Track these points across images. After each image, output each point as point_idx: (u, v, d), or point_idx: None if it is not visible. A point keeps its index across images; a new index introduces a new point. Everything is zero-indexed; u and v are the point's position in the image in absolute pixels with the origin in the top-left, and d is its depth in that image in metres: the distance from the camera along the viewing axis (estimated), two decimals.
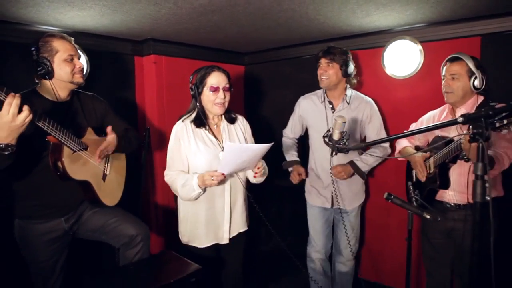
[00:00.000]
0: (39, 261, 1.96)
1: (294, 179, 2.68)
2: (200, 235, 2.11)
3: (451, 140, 1.94)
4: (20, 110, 1.49)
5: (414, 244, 2.74)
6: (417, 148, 2.36)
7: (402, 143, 2.44)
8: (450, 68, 2.09)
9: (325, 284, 2.78)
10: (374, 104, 2.64)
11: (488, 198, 1.20)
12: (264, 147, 1.90)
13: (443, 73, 2.15)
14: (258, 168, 2.04)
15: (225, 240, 2.15)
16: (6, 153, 1.55)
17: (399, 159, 2.48)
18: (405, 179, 2.48)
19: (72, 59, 1.92)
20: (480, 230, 1.21)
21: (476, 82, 1.99)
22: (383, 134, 2.63)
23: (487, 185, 1.19)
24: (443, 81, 2.15)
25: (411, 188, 1.93)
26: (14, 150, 1.57)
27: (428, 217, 1.68)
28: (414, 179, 2.37)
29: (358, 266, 3.16)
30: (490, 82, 2.20)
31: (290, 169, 2.75)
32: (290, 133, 2.86)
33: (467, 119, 1.21)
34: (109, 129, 2.06)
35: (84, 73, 2.14)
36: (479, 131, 1.17)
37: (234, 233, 2.19)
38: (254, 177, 2.12)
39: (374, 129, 2.60)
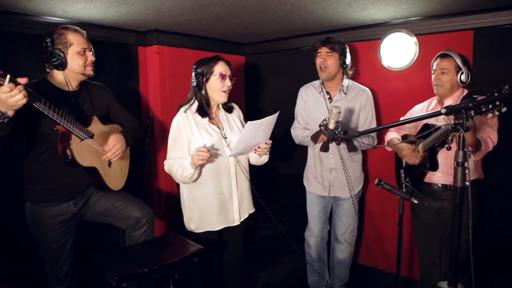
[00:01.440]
0: (50, 243, 2.07)
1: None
2: (212, 220, 2.20)
3: (439, 127, 2.08)
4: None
5: (406, 229, 2.87)
6: (405, 137, 2.48)
7: (389, 135, 2.59)
8: (440, 63, 2.29)
9: (321, 268, 2.88)
10: (370, 93, 2.69)
11: (467, 183, 1.31)
12: (275, 117, 2.04)
13: (434, 68, 2.34)
14: (266, 144, 2.12)
15: (236, 222, 2.26)
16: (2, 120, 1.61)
17: (388, 150, 2.60)
18: (395, 167, 2.61)
19: (84, 52, 2.02)
20: (460, 212, 1.32)
21: (463, 77, 2.20)
22: (374, 124, 2.67)
23: (467, 171, 1.29)
24: (433, 75, 2.34)
25: (403, 175, 2.03)
26: (9, 120, 1.62)
27: (416, 202, 1.79)
28: (404, 164, 2.46)
29: (357, 252, 3.29)
30: (481, 74, 2.37)
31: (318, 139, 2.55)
32: (303, 123, 2.77)
33: (450, 110, 1.31)
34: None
35: None
36: (460, 122, 1.27)
37: (245, 215, 2.32)
38: (255, 151, 2.15)
39: (365, 117, 2.65)
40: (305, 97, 2.75)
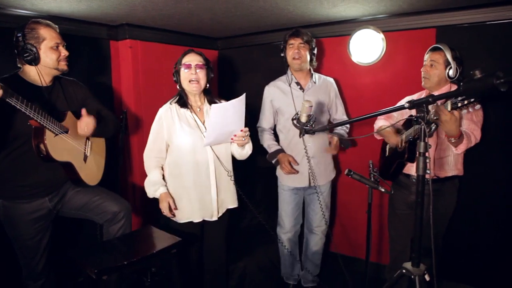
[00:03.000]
0: (25, 239, 2.06)
1: (286, 168, 2.63)
2: (192, 211, 2.24)
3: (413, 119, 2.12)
4: None
5: (375, 216, 3.02)
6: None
7: (378, 123, 2.64)
8: (431, 56, 2.29)
9: (293, 261, 2.94)
10: (335, 83, 2.82)
11: (428, 172, 1.42)
12: (241, 100, 1.99)
13: (425, 60, 2.35)
14: (242, 131, 2.11)
15: (214, 218, 2.29)
16: None
17: (378, 138, 2.67)
18: (379, 158, 2.71)
19: (58, 47, 2.01)
20: (422, 198, 1.43)
21: (451, 72, 2.19)
22: (345, 113, 2.85)
23: (427, 161, 1.41)
24: (423, 67, 2.35)
25: (371, 165, 2.14)
26: None
27: (383, 190, 1.91)
28: (387, 153, 2.57)
29: (328, 241, 3.41)
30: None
31: (273, 160, 2.73)
32: (266, 125, 2.82)
33: (412, 104, 1.41)
34: (83, 111, 2.12)
35: None
36: (421, 115, 1.38)
37: (223, 210, 2.33)
38: (232, 139, 2.15)
39: (340, 111, 2.81)
40: (272, 93, 2.75)
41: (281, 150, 2.72)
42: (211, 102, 2.31)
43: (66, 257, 1.90)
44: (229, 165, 2.34)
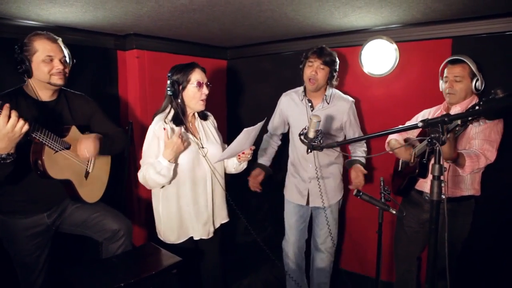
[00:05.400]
0: (23, 255, 2.01)
1: (251, 185, 2.80)
2: (190, 228, 2.15)
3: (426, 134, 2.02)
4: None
5: (387, 235, 2.89)
6: (407, 140, 2.44)
7: (390, 137, 2.51)
8: (453, 70, 2.15)
9: (300, 278, 2.84)
10: (353, 103, 2.64)
11: (443, 196, 1.31)
12: (260, 125, 2.02)
13: (445, 75, 2.21)
14: (251, 149, 2.14)
15: (211, 234, 2.21)
16: (8, 161, 1.63)
17: (387, 149, 2.53)
18: (393, 169, 2.59)
19: (52, 60, 1.90)
20: (436, 225, 1.32)
21: (478, 84, 2.08)
22: (360, 134, 2.69)
23: (443, 185, 1.30)
24: (445, 83, 2.21)
25: (382, 184, 2.03)
26: (15, 157, 1.65)
27: (394, 212, 1.80)
28: (399, 168, 2.47)
29: (339, 258, 3.29)
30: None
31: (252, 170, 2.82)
32: (272, 129, 2.86)
33: (426, 124, 1.31)
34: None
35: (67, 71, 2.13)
36: (436, 136, 1.27)
37: (216, 225, 2.27)
38: (239, 158, 2.16)
39: (353, 131, 2.62)
40: (284, 103, 2.74)
41: (260, 165, 2.81)
42: (202, 116, 2.27)
43: (62, 276, 1.84)
44: (223, 178, 2.29)
